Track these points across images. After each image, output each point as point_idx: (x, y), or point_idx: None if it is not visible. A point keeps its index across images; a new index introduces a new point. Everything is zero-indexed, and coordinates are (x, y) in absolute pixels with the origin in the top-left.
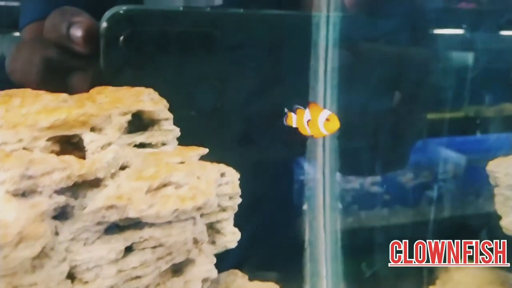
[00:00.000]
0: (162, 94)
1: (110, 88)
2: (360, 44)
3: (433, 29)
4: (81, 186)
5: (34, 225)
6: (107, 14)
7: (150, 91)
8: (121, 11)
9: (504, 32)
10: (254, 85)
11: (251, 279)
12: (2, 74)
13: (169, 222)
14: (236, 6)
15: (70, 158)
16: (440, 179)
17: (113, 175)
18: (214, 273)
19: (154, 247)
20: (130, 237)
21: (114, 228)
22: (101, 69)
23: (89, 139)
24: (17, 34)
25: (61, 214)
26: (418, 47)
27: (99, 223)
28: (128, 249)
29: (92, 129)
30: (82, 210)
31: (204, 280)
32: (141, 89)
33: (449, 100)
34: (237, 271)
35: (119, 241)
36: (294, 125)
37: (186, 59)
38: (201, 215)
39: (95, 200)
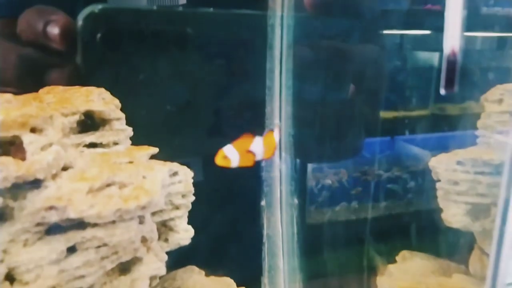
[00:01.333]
0: (136, 90)
1: (60, 88)
2: (314, 42)
3: (394, 30)
4: (20, 187)
5: None
6: (84, 12)
7: (101, 90)
8: (97, 10)
9: (468, 33)
10: (219, 81)
11: (208, 274)
12: None
13: (113, 222)
14: (204, 5)
15: (7, 160)
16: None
17: (54, 176)
18: (162, 270)
19: (98, 246)
20: (73, 237)
21: (57, 229)
22: (77, 66)
23: (29, 140)
24: None
25: None
26: (370, 45)
27: (38, 224)
28: (72, 250)
29: (32, 130)
30: (21, 212)
31: (152, 278)
32: (92, 88)
33: (415, 98)
34: (194, 267)
35: (61, 242)
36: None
37: (159, 56)
38: (153, 214)
39: (34, 201)
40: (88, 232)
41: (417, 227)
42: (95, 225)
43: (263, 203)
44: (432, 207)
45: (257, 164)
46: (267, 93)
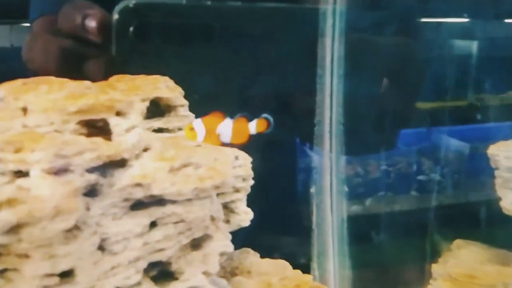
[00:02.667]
0: (162, 75)
1: (128, 76)
2: (364, 34)
3: (433, 18)
4: (108, 166)
5: (68, 200)
6: (118, 6)
7: (166, 79)
8: (131, 4)
9: (508, 20)
10: (251, 72)
11: (262, 257)
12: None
13: (189, 200)
14: None
15: (99, 140)
16: (444, 166)
17: (137, 156)
18: (230, 248)
19: (176, 222)
20: (154, 213)
21: (139, 205)
22: (112, 57)
23: (115, 123)
24: (25, 25)
25: (91, 191)
26: (403, 37)
27: (126, 200)
28: (152, 224)
29: (117, 114)
30: (110, 188)
31: (221, 254)
32: (158, 77)
33: (452, 88)
34: (249, 249)
35: (144, 217)
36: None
37: (188, 48)
38: (217, 195)
39: (122, 178)
40: (168, 208)
41: (468, 217)
42: (174, 202)
43: (312, 190)
44: (486, 196)
45: (306, 151)
46: (318, 81)
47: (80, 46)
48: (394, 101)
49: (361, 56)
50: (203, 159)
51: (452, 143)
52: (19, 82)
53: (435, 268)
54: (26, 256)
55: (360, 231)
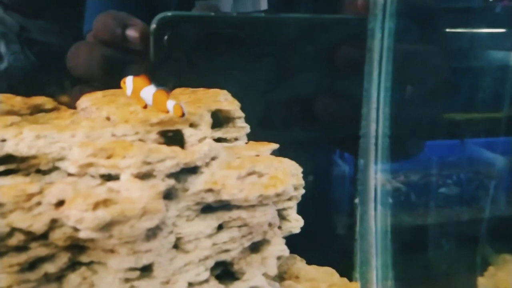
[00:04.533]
0: (196, 83)
1: (189, 89)
2: (410, 46)
3: (466, 28)
4: (183, 172)
5: (154, 202)
6: (156, 17)
7: (225, 92)
8: (166, 16)
9: None
10: (311, 83)
11: (308, 263)
12: None
13: (253, 206)
14: (286, 11)
15: (177, 149)
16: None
17: (207, 164)
18: (286, 252)
19: (240, 226)
20: (221, 216)
21: (208, 208)
22: (149, 63)
23: (189, 134)
24: None
25: (168, 195)
26: (428, 45)
27: (198, 203)
28: (219, 227)
29: (190, 125)
30: (184, 192)
31: (278, 258)
32: (217, 90)
33: (487, 99)
34: (296, 256)
35: (213, 220)
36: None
37: (215, 55)
38: (272, 202)
39: (195, 184)
40: (234, 213)
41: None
42: (238, 207)
43: (356, 200)
44: None
45: (350, 162)
46: (364, 94)
47: (120, 54)
48: (424, 109)
49: (408, 69)
50: (266, 168)
51: (489, 156)
52: (99, 94)
53: (481, 281)
54: (112, 251)
55: (404, 242)
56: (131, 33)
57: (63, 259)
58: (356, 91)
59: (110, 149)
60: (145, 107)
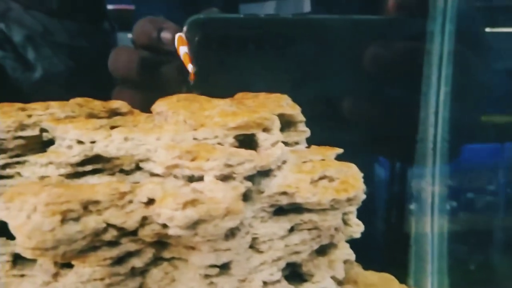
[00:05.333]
0: (223, 81)
1: (250, 94)
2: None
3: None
4: (256, 175)
5: (236, 203)
6: (188, 20)
7: (285, 97)
8: (197, 18)
9: None
10: (366, 86)
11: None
12: None
13: (324, 209)
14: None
15: (253, 152)
16: None
17: (279, 167)
18: (353, 256)
19: (310, 229)
20: (293, 219)
21: (280, 210)
22: (181, 63)
23: (263, 138)
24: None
25: (245, 197)
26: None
27: (272, 205)
28: (290, 229)
29: (264, 130)
30: (258, 194)
31: (345, 262)
32: (279, 95)
33: None
34: (352, 260)
35: (285, 222)
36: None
37: (243, 55)
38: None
39: (270, 186)
40: (305, 216)
41: None
42: (309, 210)
43: (412, 206)
44: None
45: (406, 169)
46: (422, 98)
47: (156, 55)
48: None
49: (467, 74)
50: (336, 173)
51: None
52: (174, 98)
53: None
54: (193, 248)
55: (460, 249)
56: (165, 35)
57: (148, 254)
58: (391, 93)
59: (194, 151)
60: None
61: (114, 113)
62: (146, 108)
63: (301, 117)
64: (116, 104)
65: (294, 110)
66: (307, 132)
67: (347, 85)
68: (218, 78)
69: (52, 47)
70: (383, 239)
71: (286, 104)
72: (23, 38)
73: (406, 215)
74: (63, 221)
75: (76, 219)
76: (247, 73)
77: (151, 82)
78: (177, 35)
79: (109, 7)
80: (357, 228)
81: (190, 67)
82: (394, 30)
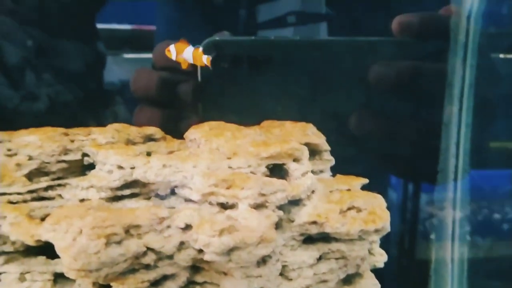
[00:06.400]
0: (236, 99)
1: (276, 122)
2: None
3: None
4: (288, 204)
5: (270, 231)
6: (204, 42)
7: (311, 126)
8: (212, 40)
9: None
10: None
11: None
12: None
13: (351, 240)
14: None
15: (285, 182)
16: None
17: (308, 197)
18: (378, 286)
19: (337, 258)
20: (321, 248)
21: (309, 239)
22: (197, 82)
23: (294, 168)
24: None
25: (276, 225)
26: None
27: (301, 234)
28: (318, 258)
29: (294, 160)
30: (288, 223)
31: None
32: (305, 124)
33: None
34: None
35: (314, 250)
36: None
37: (254, 75)
38: None
39: (300, 216)
40: (334, 245)
41: None
42: (337, 240)
43: (432, 236)
44: None
45: (427, 197)
46: (443, 129)
47: (174, 75)
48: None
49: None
50: (364, 203)
51: None
52: (206, 126)
53: None
54: (225, 273)
55: (480, 279)
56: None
57: (183, 278)
58: (400, 111)
59: (230, 180)
60: (187, 66)
61: (148, 138)
62: (165, 124)
63: (326, 146)
64: (150, 130)
65: (319, 139)
66: (332, 161)
67: (354, 102)
68: (230, 95)
69: (53, 72)
70: (402, 267)
71: (312, 133)
72: (19, 60)
73: (425, 242)
74: (107, 244)
75: (119, 243)
76: (257, 90)
77: (169, 101)
78: (192, 49)
79: (130, 27)
80: (380, 258)
81: (205, 58)
82: (397, 51)
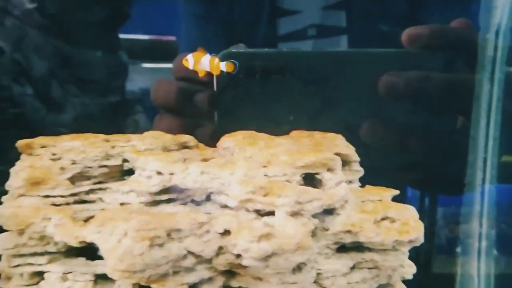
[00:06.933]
0: (250, 108)
1: (305, 132)
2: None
3: None
4: (322, 213)
5: (306, 239)
6: (221, 53)
7: (340, 136)
8: (228, 52)
9: None
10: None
11: None
12: None
13: (385, 250)
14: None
15: (321, 191)
16: None
17: (342, 206)
18: None
19: (370, 268)
20: (355, 257)
21: (342, 248)
22: (213, 91)
23: (328, 177)
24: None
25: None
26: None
27: (335, 243)
28: (351, 267)
29: (328, 170)
30: (322, 231)
31: None
32: (334, 134)
33: None
34: None
35: (348, 259)
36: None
37: (268, 85)
38: None
39: (334, 224)
40: (367, 255)
41: None
42: (371, 249)
43: (458, 249)
44: None
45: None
46: (471, 142)
47: (192, 85)
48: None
49: None
50: (398, 214)
51: None
52: (239, 135)
53: None
54: (260, 279)
55: None
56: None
57: (219, 282)
58: (411, 121)
59: (267, 188)
60: (204, 75)
61: (183, 146)
62: (182, 131)
63: (356, 157)
64: (185, 138)
65: (349, 150)
66: (361, 172)
67: (366, 113)
68: (244, 104)
69: (78, 82)
70: (436, 283)
71: (341, 144)
72: (44, 72)
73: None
74: (151, 246)
75: (161, 245)
76: (270, 100)
77: (187, 109)
78: (209, 58)
79: (151, 37)
80: (409, 270)
81: (222, 65)
82: (407, 62)
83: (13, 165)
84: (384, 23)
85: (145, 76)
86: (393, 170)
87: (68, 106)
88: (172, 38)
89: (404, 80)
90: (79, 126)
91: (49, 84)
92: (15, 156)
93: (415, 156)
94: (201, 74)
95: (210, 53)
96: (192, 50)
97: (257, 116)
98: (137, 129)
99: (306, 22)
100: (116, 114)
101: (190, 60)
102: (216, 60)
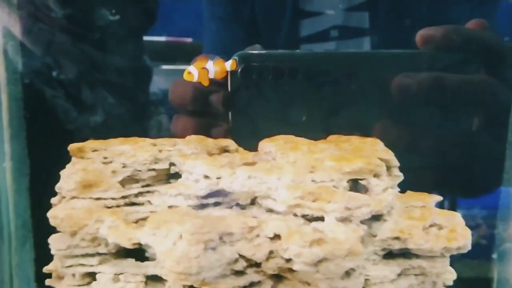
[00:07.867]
0: (263, 108)
1: (343, 137)
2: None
3: None
4: (368, 219)
5: (357, 245)
6: (235, 55)
7: (379, 141)
8: (242, 53)
9: None
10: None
11: None
12: None
13: (432, 257)
14: None
15: (369, 197)
16: None
17: (388, 212)
18: None
19: (417, 274)
20: (402, 263)
21: (389, 255)
22: (227, 91)
23: (375, 183)
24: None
25: None
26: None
27: (383, 249)
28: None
29: (374, 175)
30: (370, 237)
31: None
32: (373, 139)
33: None
34: None
35: (395, 266)
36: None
37: (279, 85)
38: None
39: (382, 231)
40: (415, 262)
41: None
42: (418, 256)
43: (494, 256)
44: None
45: (491, 217)
46: (508, 147)
47: (206, 86)
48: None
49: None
50: (445, 221)
51: None
52: (280, 140)
53: None
54: (308, 283)
55: None
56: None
57: (268, 286)
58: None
59: (316, 193)
60: (208, 83)
61: (224, 150)
62: (198, 131)
63: (396, 162)
64: (226, 142)
65: (389, 155)
66: (401, 177)
67: (379, 114)
68: (257, 105)
69: (105, 86)
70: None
71: (381, 149)
72: (74, 75)
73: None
74: (205, 249)
75: (214, 249)
76: (283, 100)
77: (202, 109)
78: (212, 62)
79: (168, 39)
80: (450, 276)
81: (228, 64)
82: (421, 63)
83: (49, 165)
84: (407, 24)
85: (166, 77)
86: (407, 172)
87: (98, 108)
88: (189, 39)
89: (417, 82)
90: (108, 128)
91: (79, 87)
92: (52, 156)
93: (430, 159)
94: (206, 83)
95: (228, 57)
96: (216, 52)
97: (270, 117)
98: (161, 130)
99: (329, 23)
100: (142, 115)
101: (193, 72)
102: (221, 60)
